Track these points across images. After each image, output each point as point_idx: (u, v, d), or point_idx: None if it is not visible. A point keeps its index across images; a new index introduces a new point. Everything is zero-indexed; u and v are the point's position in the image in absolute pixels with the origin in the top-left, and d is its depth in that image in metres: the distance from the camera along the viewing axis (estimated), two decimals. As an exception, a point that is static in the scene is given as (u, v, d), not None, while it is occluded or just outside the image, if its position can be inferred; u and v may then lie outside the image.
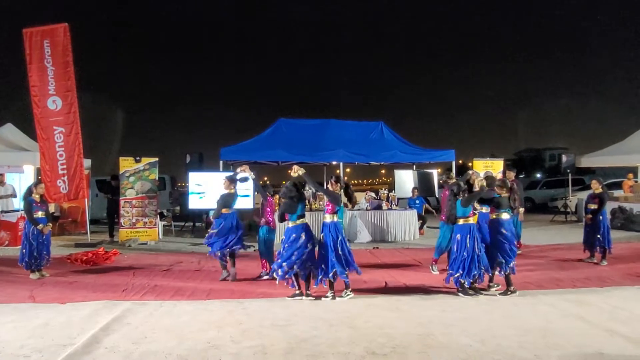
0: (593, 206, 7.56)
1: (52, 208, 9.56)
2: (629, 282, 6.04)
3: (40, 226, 6.51)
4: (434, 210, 12.90)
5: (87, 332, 4.14)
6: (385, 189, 12.23)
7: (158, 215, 10.78)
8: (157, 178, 10.68)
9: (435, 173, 13.67)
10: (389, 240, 10.47)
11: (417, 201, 11.83)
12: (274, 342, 3.94)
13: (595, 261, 7.44)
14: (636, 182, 12.56)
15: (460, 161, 21.79)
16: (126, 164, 10.38)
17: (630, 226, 11.49)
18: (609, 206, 10.22)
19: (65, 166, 9.94)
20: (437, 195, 13.55)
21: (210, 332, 4.16)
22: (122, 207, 10.26)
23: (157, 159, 10.60)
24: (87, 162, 11.42)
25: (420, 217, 11.27)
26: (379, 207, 10.97)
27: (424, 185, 12.95)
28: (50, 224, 6.82)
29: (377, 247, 9.41)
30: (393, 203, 11.33)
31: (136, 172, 10.39)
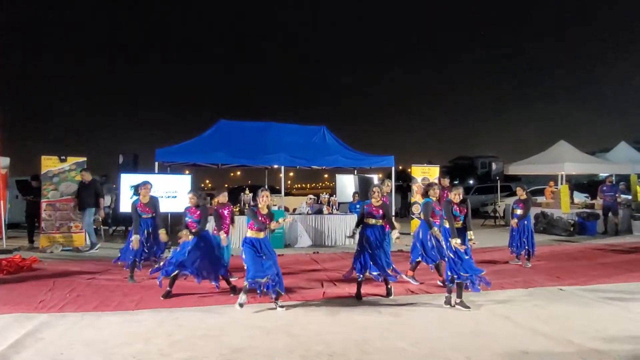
0: (518, 211, 8.04)
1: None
2: (551, 283, 6.45)
3: None
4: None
5: (-7, 350, 3.70)
6: (326, 194, 12.27)
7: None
8: (85, 179, 9.95)
9: (375, 178, 13.93)
10: (330, 244, 10.50)
11: (358, 206, 11.95)
12: (206, 353, 3.75)
13: (520, 263, 7.89)
14: (557, 189, 13.56)
15: (400, 167, 22.40)
16: (49, 164, 9.58)
17: (551, 230, 12.38)
18: (532, 211, 10.93)
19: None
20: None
21: (136, 345, 3.88)
22: (44, 210, 9.45)
23: (85, 159, 9.89)
24: (5, 161, 10.42)
25: (360, 221, 11.39)
26: (319, 212, 10.98)
27: (364, 190, 13.14)
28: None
29: (318, 252, 9.40)
30: (334, 207, 11.39)
31: (61, 172, 9.63)
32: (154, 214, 6.49)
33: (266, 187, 5.24)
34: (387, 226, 5.61)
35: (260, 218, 5.06)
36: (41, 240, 9.41)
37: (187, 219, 5.69)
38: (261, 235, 5.09)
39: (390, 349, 3.92)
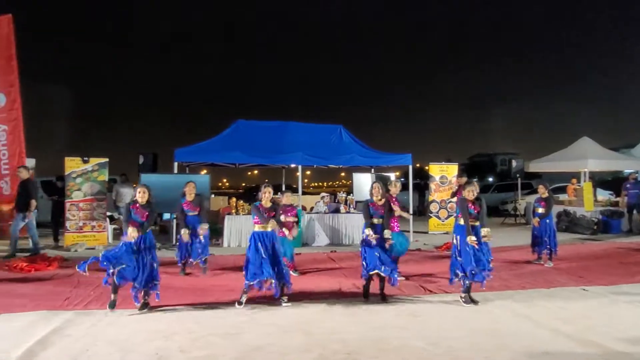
0: (540, 210, 7.89)
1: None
2: (573, 283, 6.32)
3: None
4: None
5: (21, 346, 3.84)
6: (344, 192, 12.26)
7: (108, 219, 10.29)
8: (107, 179, 10.20)
9: (392, 176, 13.87)
10: (347, 243, 10.50)
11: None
12: (224, 351, 3.80)
13: (542, 262, 7.75)
14: (579, 186, 13.27)
15: (418, 165, 22.18)
16: (72, 165, 9.84)
17: (574, 228, 12.11)
18: (555, 209, 10.71)
19: (8, 166, 9.28)
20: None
21: (157, 342, 3.97)
22: (68, 210, 9.71)
23: (107, 160, 10.12)
24: (30, 162, 10.74)
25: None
26: (337, 211, 10.98)
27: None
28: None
29: (335, 251, 9.41)
30: (351, 206, 11.37)
31: (84, 173, 9.88)
32: (199, 212, 6.86)
33: (267, 183, 5.46)
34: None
35: (263, 212, 5.23)
36: (66, 239, 9.67)
37: (132, 217, 5.03)
38: (267, 228, 5.20)
39: (407, 347, 3.91)
